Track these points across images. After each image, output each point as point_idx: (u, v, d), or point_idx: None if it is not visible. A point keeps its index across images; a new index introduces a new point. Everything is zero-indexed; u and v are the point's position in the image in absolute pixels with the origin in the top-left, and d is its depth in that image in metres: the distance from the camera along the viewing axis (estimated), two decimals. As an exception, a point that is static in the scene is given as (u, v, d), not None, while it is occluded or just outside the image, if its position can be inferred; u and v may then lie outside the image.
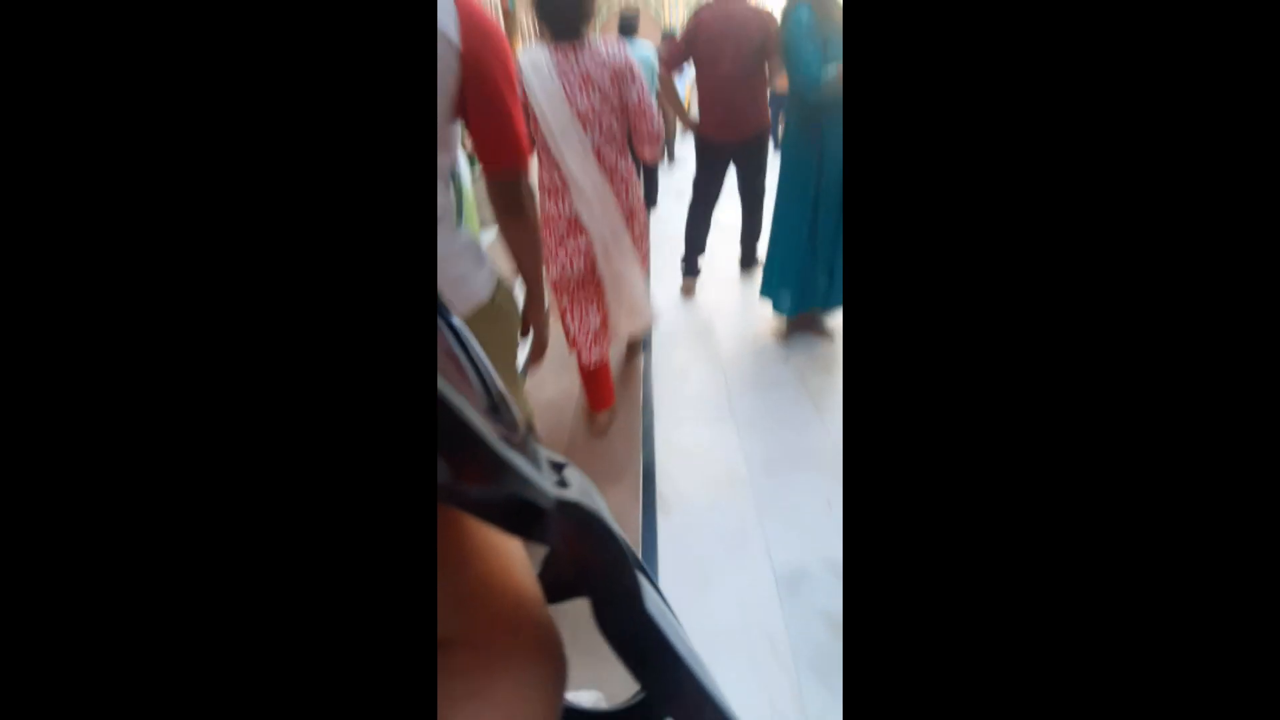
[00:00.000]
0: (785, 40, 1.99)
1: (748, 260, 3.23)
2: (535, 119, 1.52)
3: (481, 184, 2.88)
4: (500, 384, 0.20)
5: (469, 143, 1.02)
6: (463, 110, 0.96)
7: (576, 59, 1.51)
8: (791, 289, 2.34)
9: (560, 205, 1.64)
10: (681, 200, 3.42)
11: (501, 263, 1.13)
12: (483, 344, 0.73)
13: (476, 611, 0.17)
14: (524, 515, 0.16)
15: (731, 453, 1.88)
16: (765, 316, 2.69)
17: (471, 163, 2.56)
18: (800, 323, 2.53)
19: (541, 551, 0.21)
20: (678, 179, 5.83)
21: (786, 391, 2.17)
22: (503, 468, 0.15)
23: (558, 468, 0.21)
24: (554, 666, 0.18)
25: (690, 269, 3.04)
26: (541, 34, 1.61)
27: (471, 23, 0.89)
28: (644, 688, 0.21)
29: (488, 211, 1.61)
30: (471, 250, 1.07)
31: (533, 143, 1.59)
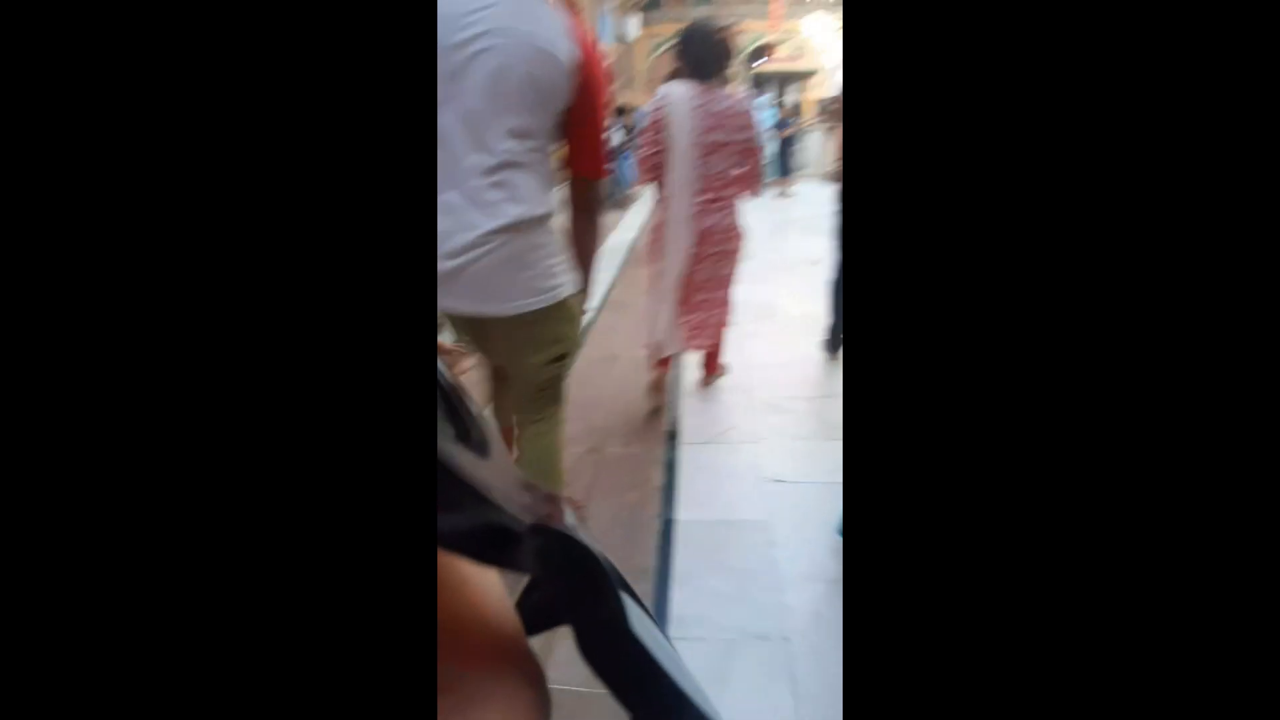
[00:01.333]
0: None
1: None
2: (663, 144, 1.95)
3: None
4: (474, 407, 0.20)
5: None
6: (562, 123, 1.17)
7: (709, 98, 1.93)
8: None
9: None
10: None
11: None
12: (551, 338, 1.16)
13: (454, 651, 0.17)
14: (497, 543, 0.16)
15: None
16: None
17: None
18: None
19: (520, 581, 0.21)
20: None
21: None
22: (470, 494, 0.15)
23: (532, 490, 0.20)
24: (537, 701, 0.18)
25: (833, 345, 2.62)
26: (680, 73, 1.99)
27: (584, 53, 1.13)
28: (631, 715, 0.20)
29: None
30: (561, 253, 1.26)
31: (658, 166, 2.00)
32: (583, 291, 1.34)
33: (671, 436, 2.17)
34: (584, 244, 1.31)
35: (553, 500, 0.21)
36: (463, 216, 1.16)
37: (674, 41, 2.01)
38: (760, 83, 4.02)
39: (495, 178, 1.16)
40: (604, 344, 2.95)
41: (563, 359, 1.34)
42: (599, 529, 1.74)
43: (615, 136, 7.64)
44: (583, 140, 1.21)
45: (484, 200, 1.16)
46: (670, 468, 2.00)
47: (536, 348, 1.30)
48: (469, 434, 0.18)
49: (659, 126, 1.96)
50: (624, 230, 5.94)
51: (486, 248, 1.17)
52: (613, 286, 4.19)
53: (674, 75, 2.05)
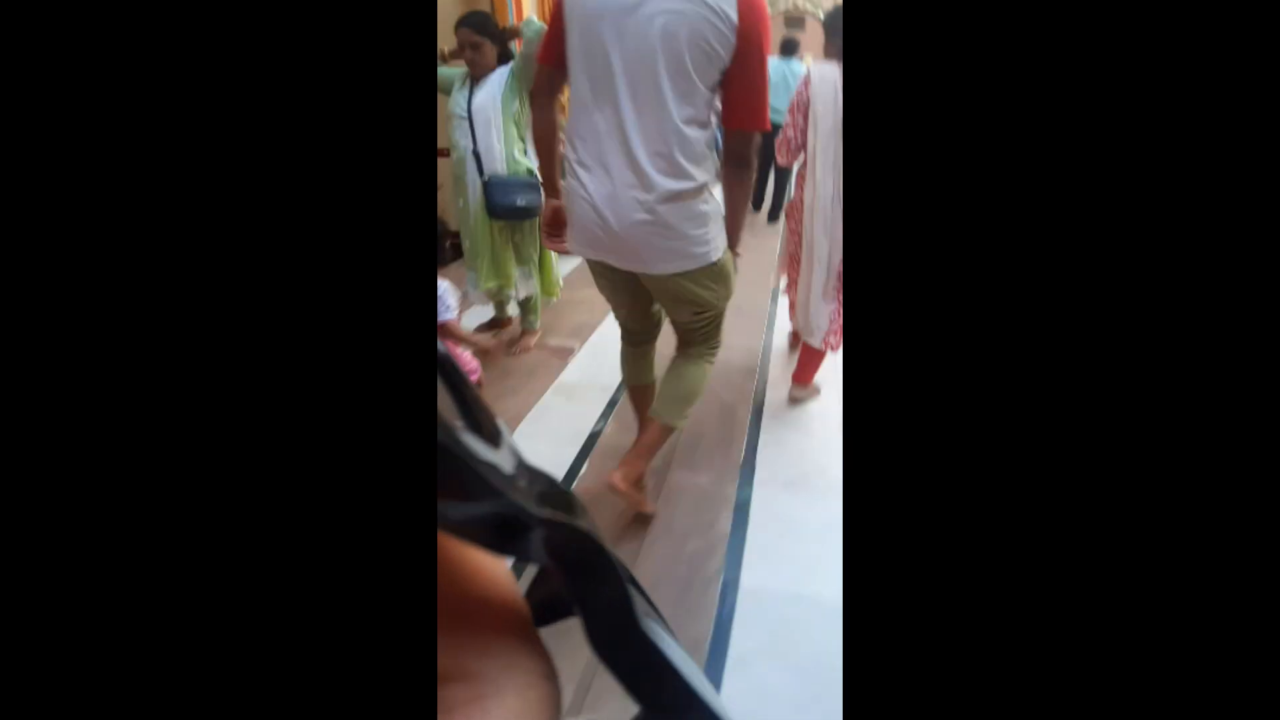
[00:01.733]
0: None
1: None
2: (808, 122, 1.86)
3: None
4: (481, 398, 0.19)
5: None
6: (725, 78, 1.18)
7: None
8: None
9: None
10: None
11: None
12: (700, 296, 1.36)
13: (465, 640, 0.16)
14: (507, 533, 0.16)
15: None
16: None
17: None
18: None
19: (529, 574, 0.21)
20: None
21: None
22: (483, 484, 0.15)
23: (543, 481, 0.20)
24: (548, 691, 0.17)
25: None
26: (830, 53, 1.91)
27: (748, 5, 1.12)
28: (642, 705, 0.19)
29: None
30: (719, 216, 1.33)
31: (803, 144, 1.90)
32: (732, 248, 1.42)
33: (749, 472, 1.92)
34: (737, 197, 1.35)
35: (559, 492, 0.20)
36: (627, 185, 1.24)
37: (828, 20, 1.95)
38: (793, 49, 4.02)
39: (661, 148, 1.21)
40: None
41: (709, 311, 1.47)
42: (650, 578, 1.54)
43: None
44: (744, 92, 1.20)
45: (648, 171, 1.22)
46: (741, 513, 1.76)
47: (686, 302, 1.43)
48: (480, 424, 0.17)
49: (804, 107, 1.86)
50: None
51: (648, 217, 1.24)
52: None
53: (826, 54, 1.97)
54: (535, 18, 2.16)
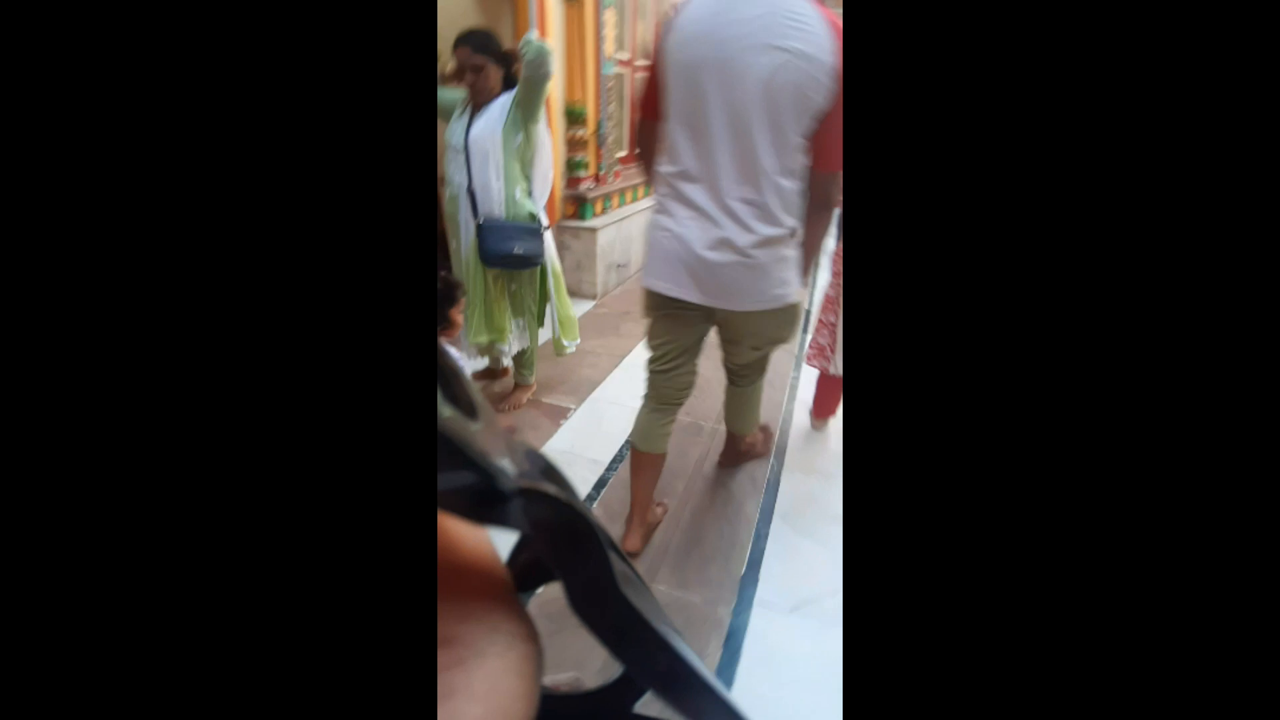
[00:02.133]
0: None
1: None
2: None
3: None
4: (460, 370, 0.19)
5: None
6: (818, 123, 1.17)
7: None
8: None
9: None
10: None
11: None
12: (771, 334, 1.50)
13: (448, 606, 0.17)
14: (486, 501, 0.16)
15: None
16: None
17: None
18: None
19: (510, 541, 0.21)
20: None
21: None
22: (460, 455, 0.14)
23: (524, 453, 0.20)
24: (528, 651, 0.18)
25: None
26: None
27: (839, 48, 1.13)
28: (624, 664, 0.21)
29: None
30: (797, 261, 1.35)
31: None
32: (804, 287, 1.48)
33: (749, 591, 1.61)
34: (815, 238, 1.37)
35: (535, 460, 0.20)
36: (719, 229, 1.26)
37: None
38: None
39: (755, 196, 1.23)
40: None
41: (767, 350, 1.57)
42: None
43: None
44: (832, 135, 1.19)
45: (744, 218, 1.24)
46: (733, 643, 1.45)
47: (756, 339, 1.50)
48: (457, 397, 0.18)
49: None
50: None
51: (739, 258, 1.27)
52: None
53: None
54: (535, 36, 1.90)
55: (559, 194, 3.53)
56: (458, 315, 1.79)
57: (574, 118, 3.47)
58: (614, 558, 0.19)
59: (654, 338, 1.53)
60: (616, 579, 0.19)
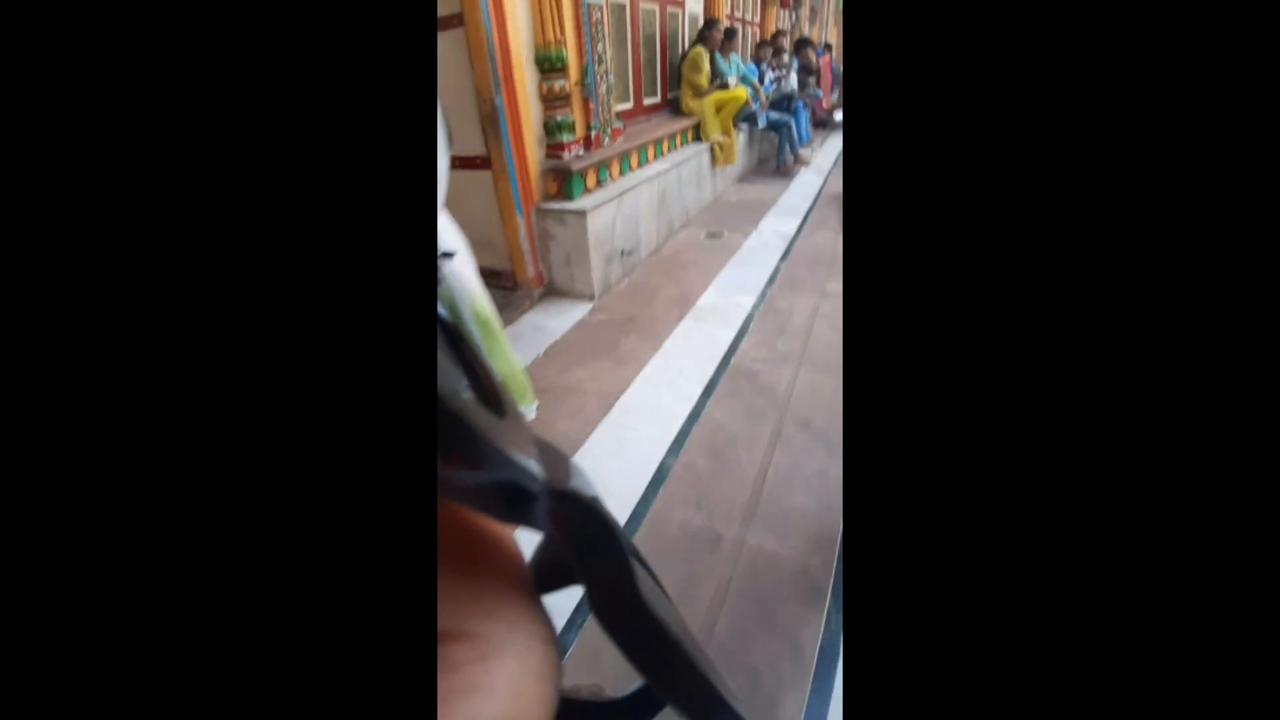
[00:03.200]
0: None
1: None
2: None
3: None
4: (495, 375, 0.20)
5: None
6: None
7: None
8: None
9: None
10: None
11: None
12: None
13: (470, 603, 0.17)
14: (514, 501, 0.16)
15: None
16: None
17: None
18: None
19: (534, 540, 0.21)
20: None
21: None
22: (490, 453, 0.14)
23: (546, 450, 0.19)
24: (548, 655, 0.18)
25: None
26: None
27: None
28: (644, 676, 0.20)
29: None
30: None
31: None
32: None
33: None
34: None
35: (560, 460, 0.19)
36: None
37: None
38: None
39: None
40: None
41: None
42: None
43: (790, 78, 5.81)
44: None
45: None
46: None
47: None
48: (486, 396, 0.18)
49: None
50: (792, 202, 4.43)
51: None
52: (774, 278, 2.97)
53: None
54: None
55: (535, 168, 2.77)
56: None
57: (549, 65, 2.68)
58: (637, 566, 0.19)
59: None
60: (638, 584, 0.19)
